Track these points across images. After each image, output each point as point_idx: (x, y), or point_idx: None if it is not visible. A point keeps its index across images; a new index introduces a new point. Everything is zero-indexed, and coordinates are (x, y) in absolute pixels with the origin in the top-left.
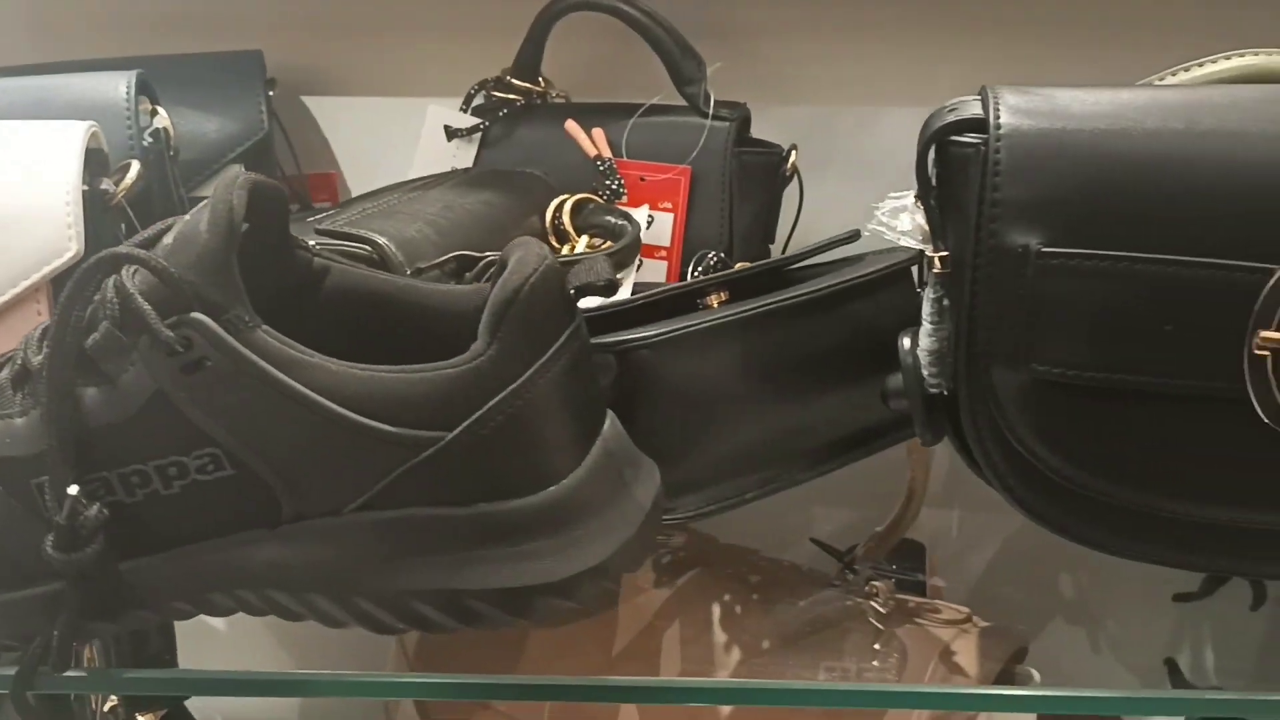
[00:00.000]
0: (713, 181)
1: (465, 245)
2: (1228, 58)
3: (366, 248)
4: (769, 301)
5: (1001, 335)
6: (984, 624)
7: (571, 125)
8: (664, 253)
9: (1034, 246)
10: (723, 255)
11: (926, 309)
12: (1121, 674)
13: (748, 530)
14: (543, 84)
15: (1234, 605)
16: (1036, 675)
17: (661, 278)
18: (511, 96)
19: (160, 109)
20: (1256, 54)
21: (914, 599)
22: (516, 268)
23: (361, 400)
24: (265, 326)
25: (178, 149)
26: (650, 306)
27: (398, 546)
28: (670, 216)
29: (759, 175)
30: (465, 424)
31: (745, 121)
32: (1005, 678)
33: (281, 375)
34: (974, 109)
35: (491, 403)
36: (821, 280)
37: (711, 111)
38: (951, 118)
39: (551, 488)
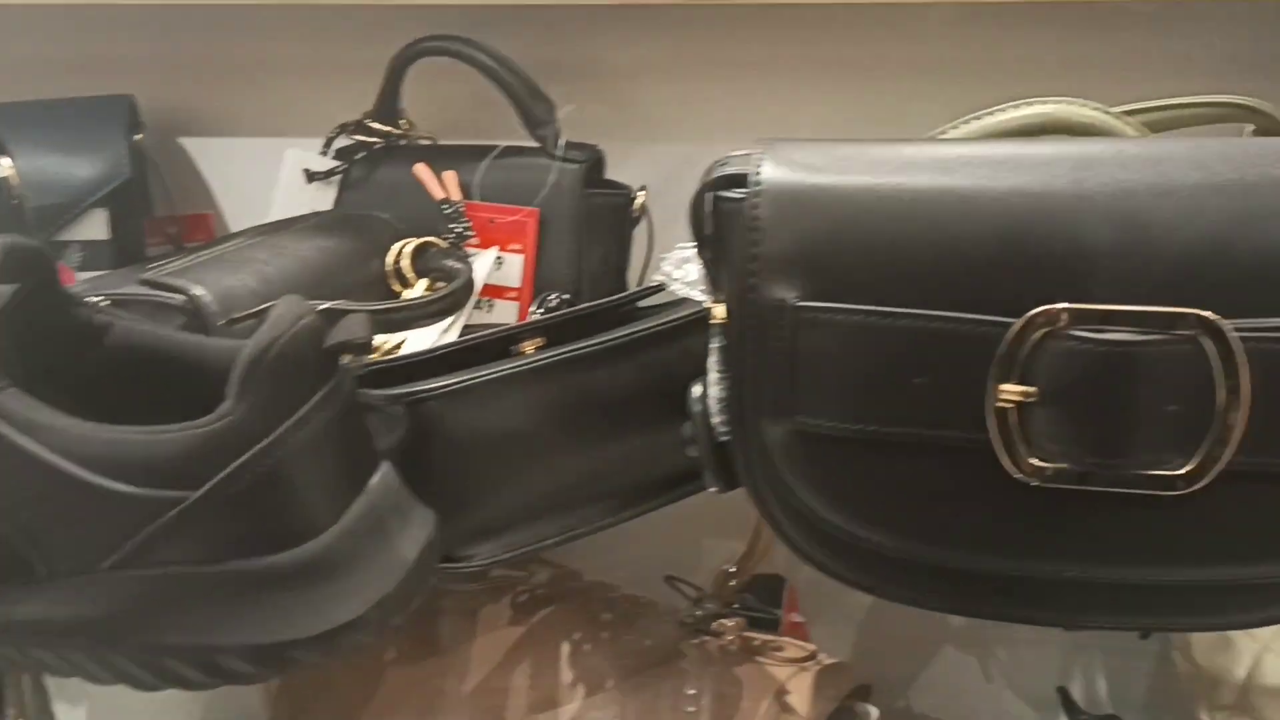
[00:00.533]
0: (562, 223)
1: (288, 294)
2: (1016, 106)
3: (181, 298)
4: (563, 351)
5: (767, 388)
6: (828, 661)
7: (420, 169)
8: (515, 293)
9: (791, 301)
10: (566, 297)
11: (712, 358)
12: (1014, 702)
13: (614, 564)
14: (405, 125)
15: (1124, 633)
16: (875, 713)
17: (513, 318)
18: (371, 139)
19: (5, 158)
20: (1045, 102)
21: (761, 636)
22: (270, 326)
23: (105, 461)
24: (11, 389)
25: (25, 196)
26: (472, 350)
27: (152, 604)
28: (520, 258)
29: (608, 216)
30: (211, 483)
31: (597, 163)
32: (843, 716)
33: (20, 437)
34: (744, 164)
35: (238, 462)
36: (640, 324)
37: (562, 153)
38: (720, 172)
39: (306, 544)
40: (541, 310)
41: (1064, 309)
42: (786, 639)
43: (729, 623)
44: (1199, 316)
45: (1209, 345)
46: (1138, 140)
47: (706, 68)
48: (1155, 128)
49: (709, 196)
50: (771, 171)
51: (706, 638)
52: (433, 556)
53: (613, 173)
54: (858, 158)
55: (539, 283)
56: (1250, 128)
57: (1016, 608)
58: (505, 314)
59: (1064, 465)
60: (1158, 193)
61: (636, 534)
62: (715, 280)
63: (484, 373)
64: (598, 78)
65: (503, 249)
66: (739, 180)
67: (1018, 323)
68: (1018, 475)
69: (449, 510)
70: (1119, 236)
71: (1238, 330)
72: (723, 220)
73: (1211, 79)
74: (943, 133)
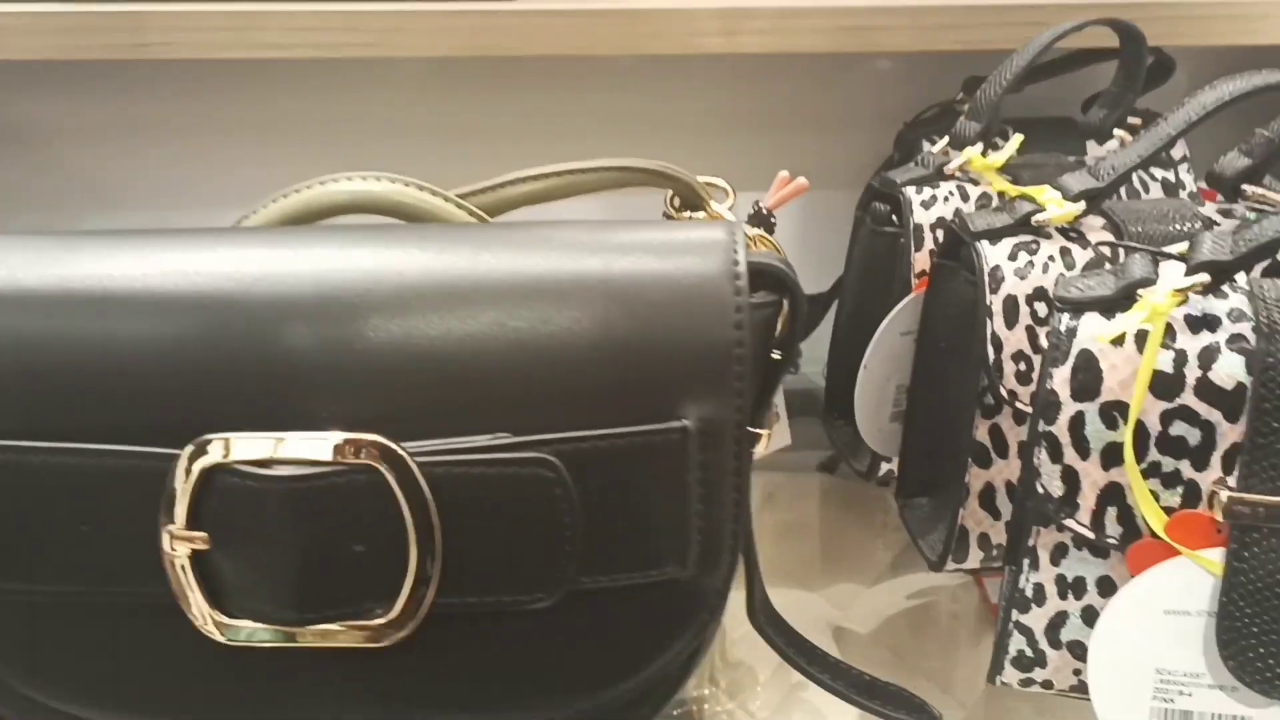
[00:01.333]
0: None
1: None
2: (322, 183)
3: None
4: None
5: None
6: None
7: None
8: None
9: None
10: None
11: None
12: None
13: None
14: None
15: None
16: None
17: None
18: None
19: None
20: (350, 179)
21: None
22: None
23: None
24: None
25: None
26: None
27: None
28: None
29: None
30: None
31: None
32: None
33: None
34: None
35: None
36: None
37: None
38: None
39: None
40: None
41: (218, 439)
42: None
43: None
44: (376, 444)
45: (390, 475)
46: (386, 229)
47: (151, 131)
48: (556, 194)
49: None
50: None
51: None
52: None
53: None
54: (42, 251)
55: None
56: (670, 192)
57: None
58: None
59: (255, 623)
60: (363, 291)
61: None
62: None
63: None
64: (20, 141)
65: None
66: None
67: (182, 456)
68: (211, 635)
69: None
70: (319, 346)
71: (422, 456)
72: None
73: (686, 132)
74: (252, 213)
